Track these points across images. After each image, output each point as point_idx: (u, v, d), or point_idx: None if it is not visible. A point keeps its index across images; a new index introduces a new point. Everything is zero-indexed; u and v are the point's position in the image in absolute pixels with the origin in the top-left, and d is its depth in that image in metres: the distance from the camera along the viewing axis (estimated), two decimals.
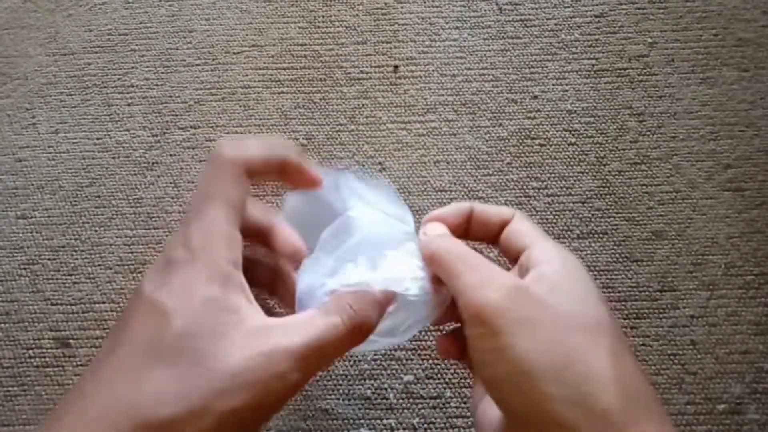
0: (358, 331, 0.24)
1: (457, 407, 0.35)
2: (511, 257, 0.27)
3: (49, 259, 0.39)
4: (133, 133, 0.43)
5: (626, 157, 0.41)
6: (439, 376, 0.36)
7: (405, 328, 0.26)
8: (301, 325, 0.23)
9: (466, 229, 0.28)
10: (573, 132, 0.41)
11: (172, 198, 0.41)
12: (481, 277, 0.23)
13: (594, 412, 0.20)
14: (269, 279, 0.28)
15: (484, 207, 0.28)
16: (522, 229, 0.26)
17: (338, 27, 0.45)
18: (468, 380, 0.36)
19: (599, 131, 0.41)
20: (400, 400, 0.36)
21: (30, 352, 0.37)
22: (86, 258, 0.39)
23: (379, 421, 0.35)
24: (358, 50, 0.44)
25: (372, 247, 0.26)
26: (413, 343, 0.37)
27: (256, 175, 0.25)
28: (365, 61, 0.44)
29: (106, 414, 0.20)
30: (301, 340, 0.22)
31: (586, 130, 0.42)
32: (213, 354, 0.21)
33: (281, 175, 0.27)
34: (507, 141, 0.41)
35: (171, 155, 0.42)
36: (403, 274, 0.25)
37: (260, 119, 0.42)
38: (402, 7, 0.45)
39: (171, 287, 0.22)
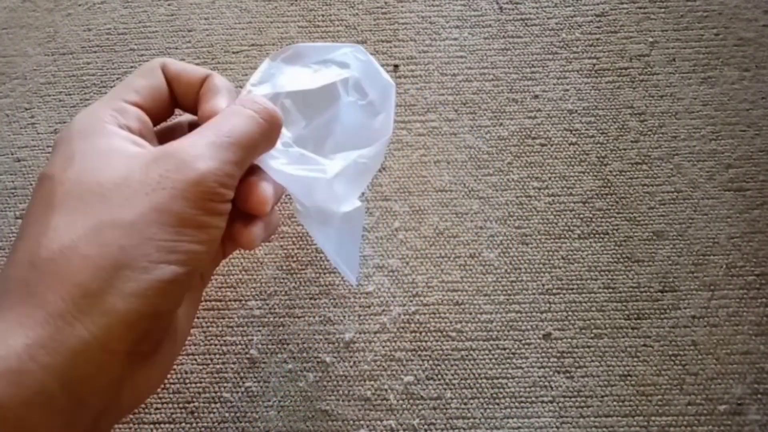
0: (272, 120, 0.24)
1: (457, 408, 0.35)
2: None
3: None
4: None
5: (627, 156, 0.41)
6: (439, 377, 0.36)
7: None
8: (210, 124, 0.23)
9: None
10: (574, 132, 0.41)
11: None
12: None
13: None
14: None
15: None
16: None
17: (338, 26, 0.45)
18: (469, 381, 0.36)
19: (600, 131, 0.41)
20: (401, 401, 0.35)
21: None
22: None
23: (379, 422, 0.35)
24: None
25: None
26: (414, 344, 0.37)
27: (174, 80, 0.26)
28: None
29: (10, 266, 0.20)
30: (211, 132, 0.22)
31: (587, 129, 0.41)
32: (98, 180, 0.21)
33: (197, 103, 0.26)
34: (508, 140, 0.41)
35: None
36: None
37: None
38: (402, 6, 0.45)
39: (54, 158, 0.23)
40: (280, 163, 0.26)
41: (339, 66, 0.29)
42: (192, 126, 0.29)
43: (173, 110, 0.27)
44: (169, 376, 0.36)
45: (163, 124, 0.28)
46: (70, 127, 0.23)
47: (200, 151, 0.21)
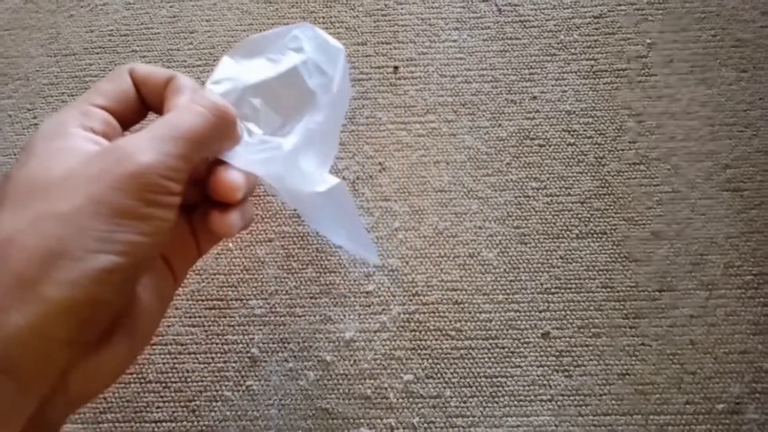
0: (222, 116, 0.25)
1: (457, 406, 0.36)
2: None
3: None
4: None
5: (625, 157, 0.41)
6: (439, 375, 0.36)
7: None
8: (158, 120, 0.24)
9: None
10: (572, 132, 0.42)
11: None
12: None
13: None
14: None
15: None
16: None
17: (338, 28, 0.45)
18: (468, 380, 0.36)
19: (598, 132, 0.42)
20: (400, 400, 0.36)
21: None
22: None
23: (379, 421, 0.35)
24: (358, 51, 0.44)
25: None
26: (413, 342, 0.37)
27: (141, 83, 0.26)
28: (365, 61, 0.44)
29: None
30: (157, 127, 0.23)
31: (585, 130, 0.42)
32: (47, 176, 0.21)
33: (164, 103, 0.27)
34: (506, 141, 0.42)
35: None
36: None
37: None
38: (402, 9, 0.45)
39: (16, 161, 0.23)
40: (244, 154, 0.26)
41: (294, 51, 0.29)
42: None
43: (145, 113, 0.28)
44: (170, 374, 0.37)
45: None
46: (36, 132, 0.24)
47: (143, 144, 0.22)
